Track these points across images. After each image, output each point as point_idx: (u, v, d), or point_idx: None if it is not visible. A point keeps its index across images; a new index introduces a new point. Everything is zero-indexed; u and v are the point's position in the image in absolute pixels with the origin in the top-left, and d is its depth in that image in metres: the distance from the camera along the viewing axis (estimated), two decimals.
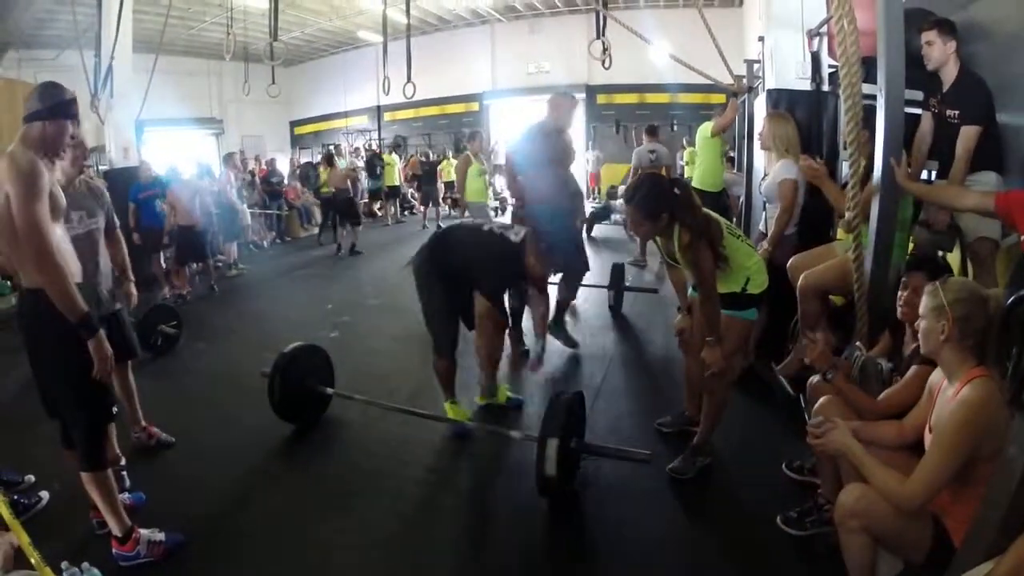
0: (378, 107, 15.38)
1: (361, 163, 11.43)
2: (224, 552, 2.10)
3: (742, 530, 2.17)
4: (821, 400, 1.95)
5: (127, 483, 2.38)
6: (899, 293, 2.01)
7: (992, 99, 2.49)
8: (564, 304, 4.08)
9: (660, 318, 4.63)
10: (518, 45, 13.74)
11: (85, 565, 1.81)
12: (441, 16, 13.40)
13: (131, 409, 2.75)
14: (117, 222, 2.61)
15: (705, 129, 5.14)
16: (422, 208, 11.24)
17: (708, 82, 4.49)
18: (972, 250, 2.55)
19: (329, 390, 3.02)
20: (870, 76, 2.28)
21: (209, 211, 6.27)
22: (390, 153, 11.70)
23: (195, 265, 6.35)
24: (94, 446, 1.94)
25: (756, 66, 4.25)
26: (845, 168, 3.04)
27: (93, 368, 1.81)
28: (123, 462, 2.43)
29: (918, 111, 2.81)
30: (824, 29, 3.31)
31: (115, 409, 2.03)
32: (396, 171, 11.25)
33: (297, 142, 17.17)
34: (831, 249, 2.92)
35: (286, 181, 10.65)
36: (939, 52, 2.53)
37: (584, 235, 6.50)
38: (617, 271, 4.96)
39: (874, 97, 2.22)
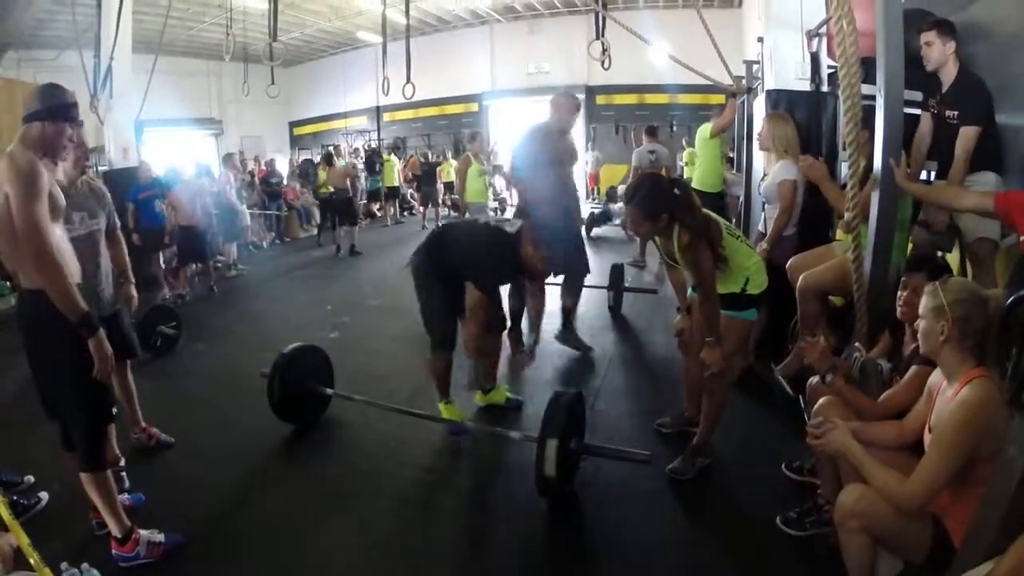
0: (377, 108, 15.37)
1: (360, 163, 11.43)
2: (223, 553, 2.10)
3: (742, 530, 2.17)
4: (821, 400, 1.95)
5: (127, 484, 2.38)
6: (899, 293, 2.01)
7: (991, 100, 2.49)
8: (569, 310, 4.03)
9: (660, 318, 4.63)
10: (517, 46, 13.74)
11: (85, 566, 1.81)
12: (440, 17, 13.40)
13: (131, 410, 2.74)
14: (118, 223, 2.60)
15: (704, 130, 5.15)
16: (421, 209, 11.25)
17: (707, 83, 4.51)
18: (971, 250, 2.55)
19: (328, 391, 3.02)
20: (869, 76, 2.28)
21: (209, 212, 6.27)
22: (389, 155, 11.71)
23: (195, 266, 6.35)
24: (94, 447, 1.94)
25: (755, 67, 4.25)
26: (844, 169, 3.05)
27: (93, 369, 1.81)
28: (123, 463, 2.43)
29: (917, 111, 2.81)
30: (823, 30, 3.31)
31: (115, 410, 2.03)
32: (395, 171, 11.25)
33: (296, 143, 17.14)
34: (831, 249, 2.92)
35: (285, 181, 10.64)
36: (938, 53, 2.53)
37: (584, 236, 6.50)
38: (616, 271, 4.96)
39: (873, 98, 2.22)
